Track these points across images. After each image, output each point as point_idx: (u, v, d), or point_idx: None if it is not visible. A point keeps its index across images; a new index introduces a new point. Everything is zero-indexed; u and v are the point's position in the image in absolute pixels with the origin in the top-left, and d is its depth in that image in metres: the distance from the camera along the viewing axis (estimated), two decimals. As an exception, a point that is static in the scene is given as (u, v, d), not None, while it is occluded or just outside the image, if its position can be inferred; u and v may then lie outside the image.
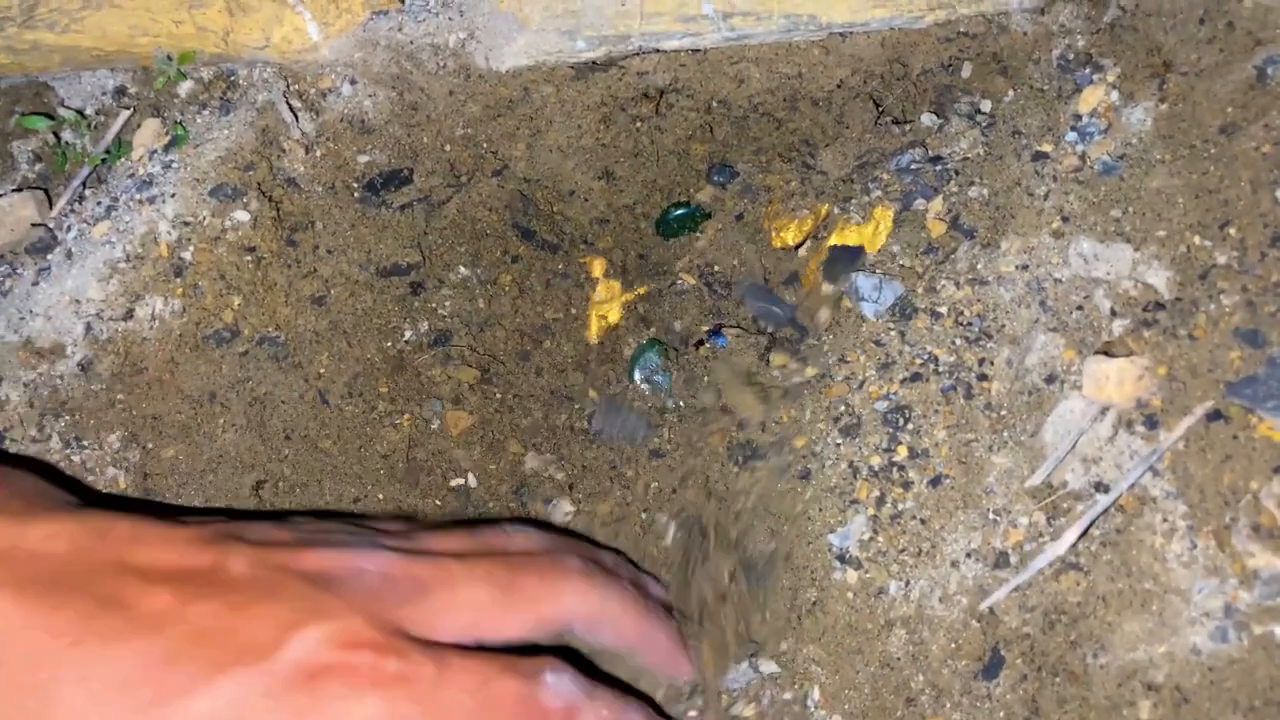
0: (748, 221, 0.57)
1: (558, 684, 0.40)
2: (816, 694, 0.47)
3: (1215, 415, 0.40)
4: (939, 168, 0.51)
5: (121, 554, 0.38)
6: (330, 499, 0.52)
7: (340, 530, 0.42)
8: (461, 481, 0.54)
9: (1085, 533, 0.42)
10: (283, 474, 0.52)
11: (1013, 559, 0.44)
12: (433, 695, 0.37)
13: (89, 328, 0.51)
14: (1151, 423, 0.42)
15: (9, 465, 0.42)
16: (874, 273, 0.50)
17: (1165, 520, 0.41)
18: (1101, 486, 0.42)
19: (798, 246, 0.55)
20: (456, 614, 0.40)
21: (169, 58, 0.52)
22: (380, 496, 0.53)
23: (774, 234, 0.55)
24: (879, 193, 0.52)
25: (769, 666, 0.48)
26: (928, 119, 0.52)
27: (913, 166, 0.52)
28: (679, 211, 0.57)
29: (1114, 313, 0.44)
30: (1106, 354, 0.42)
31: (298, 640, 0.36)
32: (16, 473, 0.41)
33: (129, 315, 0.52)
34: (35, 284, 0.53)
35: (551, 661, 0.41)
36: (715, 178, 0.57)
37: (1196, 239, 0.43)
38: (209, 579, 0.37)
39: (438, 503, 0.53)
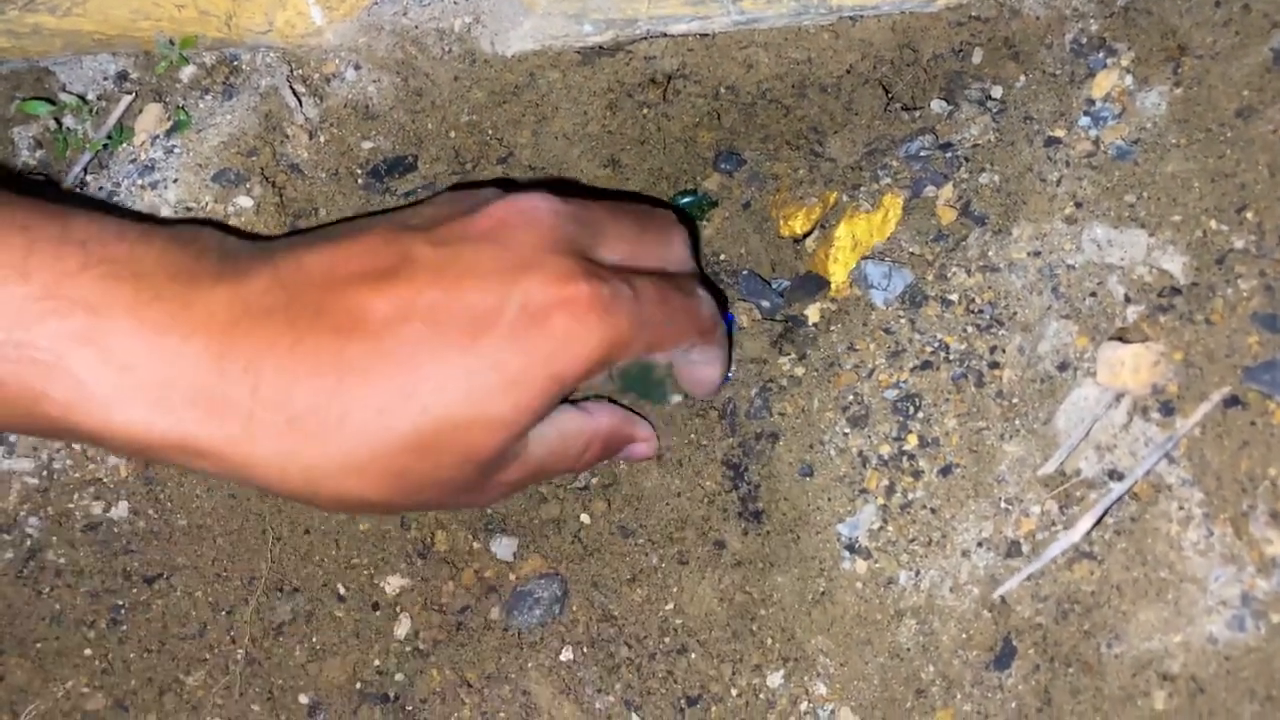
0: (755, 210, 0.56)
1: (706, 297, 0.48)
2: (823, 687, 0.46)
3: (1233, 401, 0.40)
4: (949, 154, 0.51)
5: (325, 281, 0.40)
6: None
7: (478, 192, 0.45)
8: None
9: (1099, 521, 0.41)
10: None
11: (1025, 548, 0.43)
12: (636, 311, 0.42)
13: (90, 314, 0.51)
14: (1167, 409, 0.41)
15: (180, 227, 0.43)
16: (883, 260, 0.50)
17: (1181, 508, 0.40)
18: (1116, 474, 0.42)
19: (806, 235, 0.54)
20: (619, 244, 0.45)
21: (171, 42, 0.51)
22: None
23: (781, 222, 0.55)
24: (888, 180, 0.51)
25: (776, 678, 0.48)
26: (938, 105, 0.52)
27: (922, 153, 0.51)
28: (686, 199, 0.56)
29: (1128, 299, 0.43)
30: (1121, 340, 0.42)
31: (517, 294, 0.40)
32: (204, 232, 0.42)
33: (131, 301, 0.51)
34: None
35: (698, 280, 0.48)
36: (722, 165, 0.57)
37: (1213, 223, 0.42)
38: (408, 274, 0.40)
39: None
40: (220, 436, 0.38)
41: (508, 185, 0.47)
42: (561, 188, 0.48)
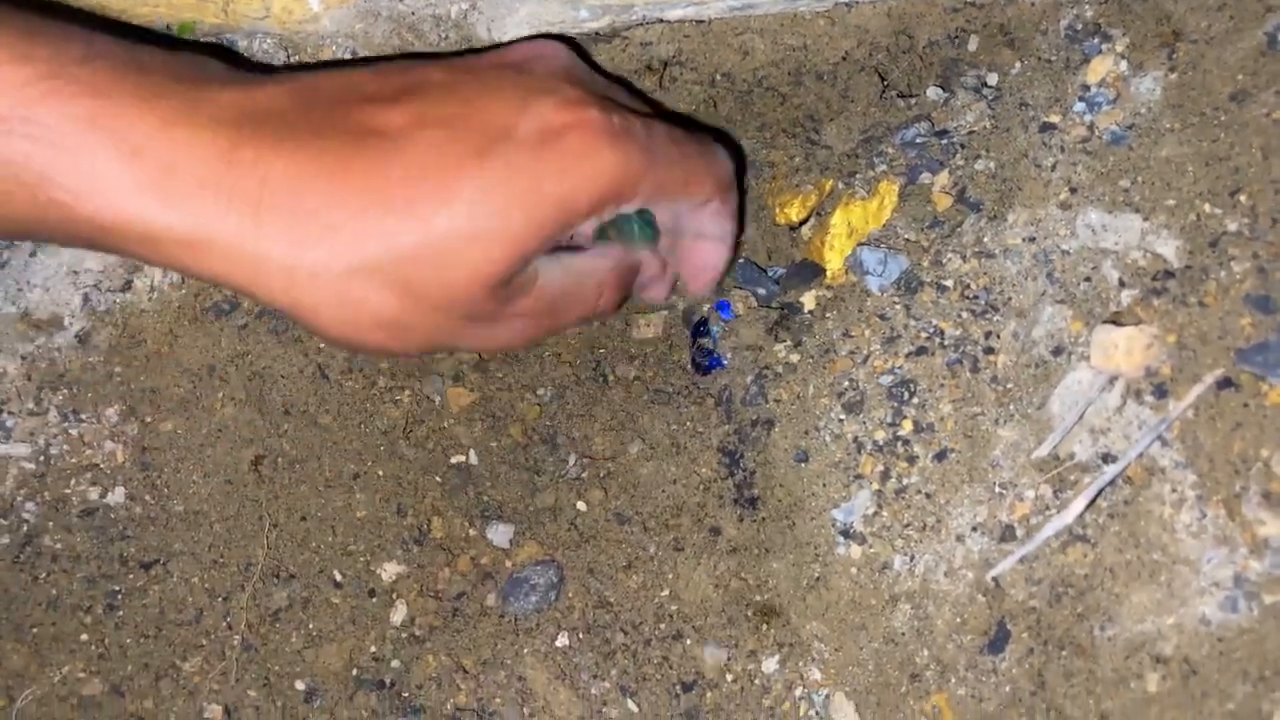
0: (751, 197, 0.56)
1: (723, 154, 0.48)
2: (817, 672, 0.46)
3: (1226, 383, 0.40)
4: (945, 141, 0.51)
5: (338, 95, 0.41)
6: (329, 474, 0.52)
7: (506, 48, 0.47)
8: (462, 458, 0.53)
9: (1092, 503, 0.41)
10: (282, 449, 0.52)
11: (1019, 532, 0.43)
12: (648, 144, 0.42)
13: (87, 299, 0.51)
14: (1161, 392, 0.41)
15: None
16: (879, 247, 0.50)
17: (1174, 490, 0.40)
18: (1109, 457, 0.42)
19: (802, 222, 0.54)
20: (629, 95, 0.47)
21: (168, 27, 0.51)
22: (380, 473, 0.52)
23: (777, 210, 0.55)
24: (884, 167, 0.51)
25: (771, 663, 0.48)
26: (933, 92, 0.52)
27: (918, 140, 0.51)
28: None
29: (1122, 283, 0.43)
30: (1115, 323, 0.42)
31: (532, 113, 0.40)
32: (199, 57, 0.42)
33: (127, 287, 0.51)
34: (33, 255, 0.52)
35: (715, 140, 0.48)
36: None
37: (1207, 207, 0.42)
38: (423, 91, 0.41)
39: (438, 479, 0.53)
40: (231, 227, 0.38)
41: None
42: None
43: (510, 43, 0.46)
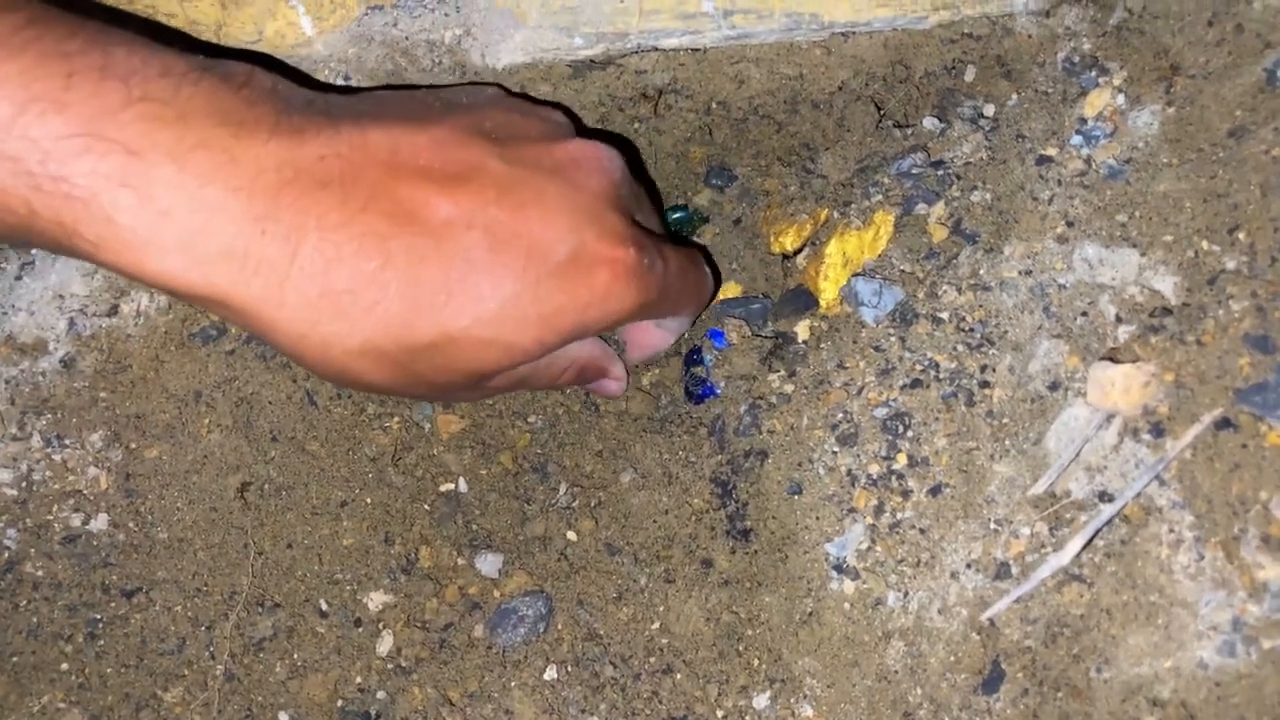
0: (746, 226, 0.56)
1: (708, 275, 0.51)
2: (809, 709, 0.46)
3: (1224, 423, 0.39)
4: (941, 172, 0.50)
5: (389, 165, 0.40)
6: (317, 502, 0.51)
7: (556, 114, 0.47)
8: (451, 486, 0.53)
9: (1089, 543, 0.41)
10: (269, 476, 0.51)
11: (1014, 570, 0.43)
12: (664, 281, 0.44)
13: (72, 324, 0.50)
14: (1158, 431, 0.41)
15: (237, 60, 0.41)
16: (874, 278, 0.50)
17: (1172, 531, 0.40)
18: (1106, 496, 0.41)
19: (796, 252, 0.54)
20: (650, 216, 0.48)
21: (160, 51, 0.51)
22: (368, 500, 0.52)
23: (772, 239, 0.54)
24: (879, 197, 0.51)
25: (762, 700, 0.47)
26: (930, 123, 0.52)
27: (914, 171, 0.51)
28: (676, 215, 0.56)
29: (1119, 319, 0.43)
30: (1112, 360, 0.41)
31: (574, 240, 0.41)
32: (257, 73, 0.40)
33: (113, 311, 0.51)
34: (18, 278, 0.52)
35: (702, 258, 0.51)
36: (713, 181, 0.56)
37: (1205, 244, 0.42)
38: (477, 185, 0.40)
39: (427, 508, 0.52)
40: (252, 295, 0.38)
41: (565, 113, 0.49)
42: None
43: (563, 123, 0.46)
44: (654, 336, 0.51)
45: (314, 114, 0.40)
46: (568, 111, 0.50)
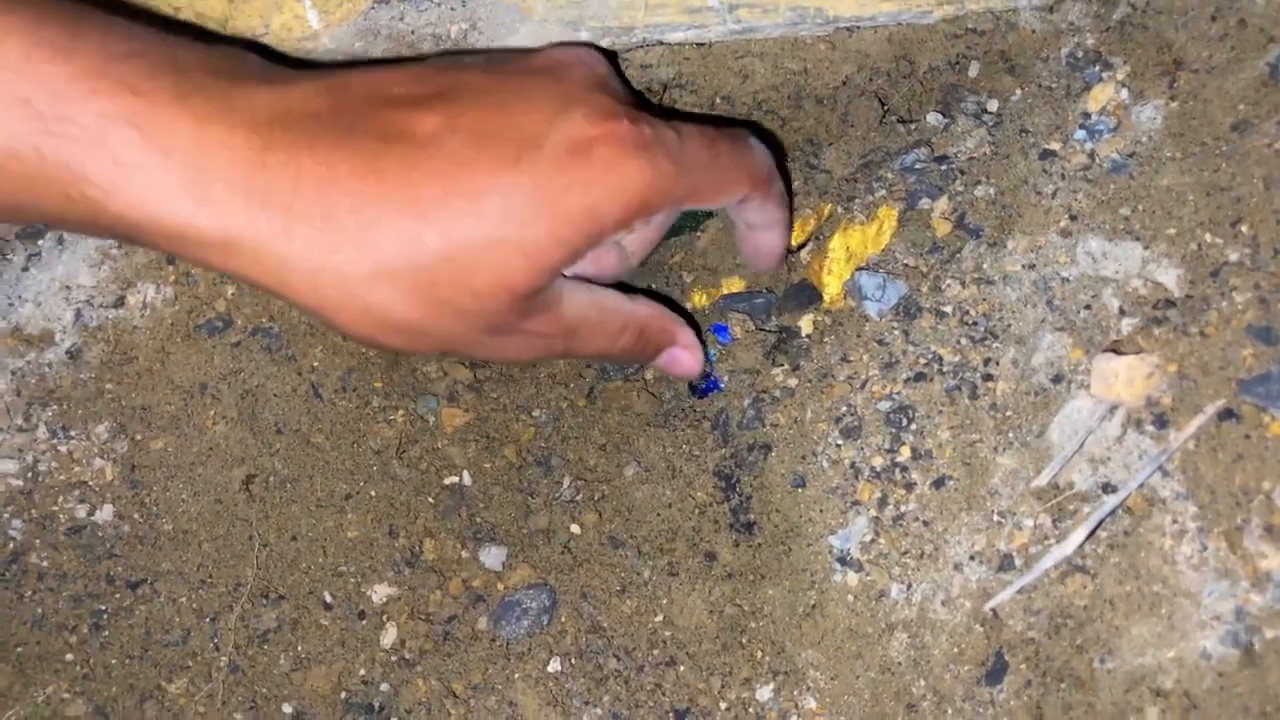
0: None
1: (759, 148, 0.47)
2: (813, 701, 0.46)
3: (1227, 414, 0.39)
4: (944, 167, 0.50)
5: (371, 96, 0.40)
6: (321, 494, 0.51)
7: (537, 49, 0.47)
8: (455, 479, 0.53)
9: (1092, 534, 0.41)
10: (273, 468, 0.51)
11: (1017, 561, 0.43)
12: (679, 152, 0.42)
13: (79, 315, 0.51)
14: (1161, 422, 0.41)
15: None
16: (877, 272, 0.50)
17: (1175, 521, 0.40)
18: (1109, 487, 0.41)
19: (800, 247, 0.54)
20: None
21: (166, 44, 0.51)
22: (372, 493, 0.52)
23: (776, 234, 0.55)
24: (883, 192, 0.51)
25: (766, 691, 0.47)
26: (933, 118, 0.52)
27: (917, 166, 0.51)
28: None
29: (1123, 311, 0.43)
30: (1115, 352, 0.42)
31: (563, 122, 0.40)
32: (245, 51, 0.42)
33: (120, 303, 0.51)
34: (25, 269, 0.52)
35: (751, 133, 0.48)
36: (717, 176, 0.56)
37: (1208, 236, 0.42)
38: (456, 96, 0.41)
39: (431, 500, 0.52)
40: (260, 230, 0.38)
41: None
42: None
43: (545, 47, 0.46)
44: (758, 240, 0.49)
45: (300, 71, 0.42)
46: None
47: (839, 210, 0.52)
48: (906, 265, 0.50)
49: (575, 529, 0.52)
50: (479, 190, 0.39)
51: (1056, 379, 0.44)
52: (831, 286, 0.51)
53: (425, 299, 0.40)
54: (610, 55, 0.51)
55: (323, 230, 0.38)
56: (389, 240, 0.39)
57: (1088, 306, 0.44)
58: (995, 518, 0.44)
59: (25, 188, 0.37)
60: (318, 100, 0.40)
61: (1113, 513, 0.41)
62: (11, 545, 0.50)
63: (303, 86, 0.40)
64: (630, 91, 0.47)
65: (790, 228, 0.52)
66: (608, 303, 0.46)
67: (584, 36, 0.50)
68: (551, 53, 0.44)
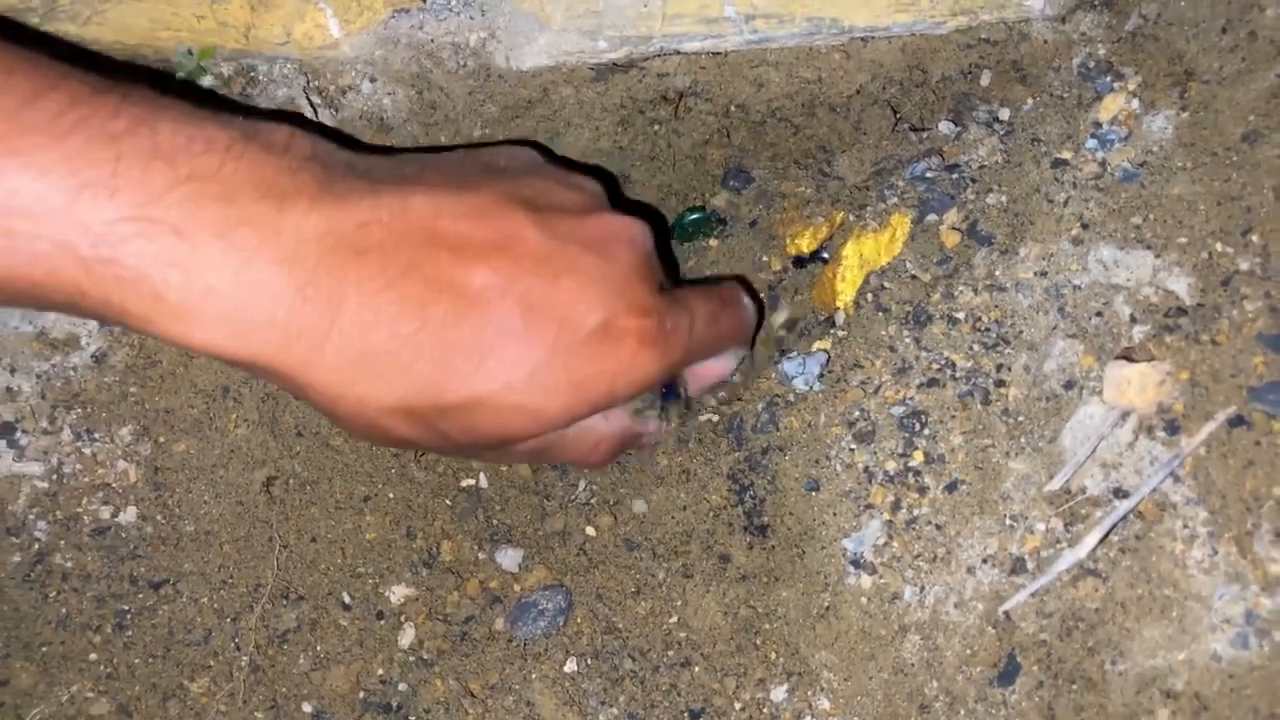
0: (762, 228, 0.57)
1: (750, 307, 0.52)
2: (826, 702, 0.47)
3: (1238, 421, 0.40)
4: (955, 175, 0.51)
5: (428, 230, 0.41)
6: (340, 496, 0.52)
7: (591, 183, 0.48)
8: (472, 482, 0.53)
9: (1105, 538, 0.41)
10: (293, 470, 0.52)
11: (1029, 565, 0.44)
12: (690, 340, 0.46)
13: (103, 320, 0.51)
14: (1173, 428, 0.41)
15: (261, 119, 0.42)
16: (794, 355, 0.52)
17: (1186, 526, 0.40)
18: (1121, 492, 0.42)
19: (813, 254, 0.54)
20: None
21: (190, 52, 0.52)
22: (390, 495, 0.52)
23: (788, 241, 0.55)
24: (895, 200, 0.52)
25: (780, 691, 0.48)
26: (945, 127, 0.52)
27: (928, 174, 0.52)
28: (693, 216, 0.57)
29: (1134, 319, 0.44)
30: (1127, 359, 0.42)
31: (604, 310, 0.42)
32: (297, 137, 0.41)
33: (144, 307, 0.51)
34: (51, 274, 0.52)
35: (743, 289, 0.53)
36: (731, 183, 0.57)
37: (1218, 245, 0.43)
38: (512, 254, 0.42)
39: (448, 503, 0.53)
40: (292, 360, 0.39)
41: (569, 164, 0.50)
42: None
43: (595, 192, 0.47)
44: (711, 369, 0.52)
45: (354, 178, 0.41)
46: (602, 175, 0.51)
47: (851, 218, 0.53)
48: (915, 274, 0.50)
49: (590, 531, 0.53)
50: (513, 362, 0.41)
51: (1068, 385, 0.45)
52: (845, 294, 0.52)
53: (430, 432, 0.42)
54: (657, 221, 0.53)
55: (355, 365, 0.39)
56: (415, 384, 0.40)
57: (1099, 314, 0.45)
58: (1007, 522, 0.44)
59: (61, 309, 0.38)
60: (372, 232, 0.39)
61: (1125, 517, 0.41)
62: (37, 546, 0.50)
63: (359, 211, 0.39)
64: (663, 261, 0.49)
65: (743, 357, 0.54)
66: (586, 423, 0.47)
67: (602, 45, 0.51)
68: (605, 222, 0.45)
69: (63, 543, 0.50)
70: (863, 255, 0.52)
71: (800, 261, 0.55)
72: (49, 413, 0.51)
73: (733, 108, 0.55)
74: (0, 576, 0.50)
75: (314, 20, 0.51)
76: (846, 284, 0.52)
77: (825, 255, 0.54)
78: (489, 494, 0.53)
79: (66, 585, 0.50)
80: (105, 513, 0.51)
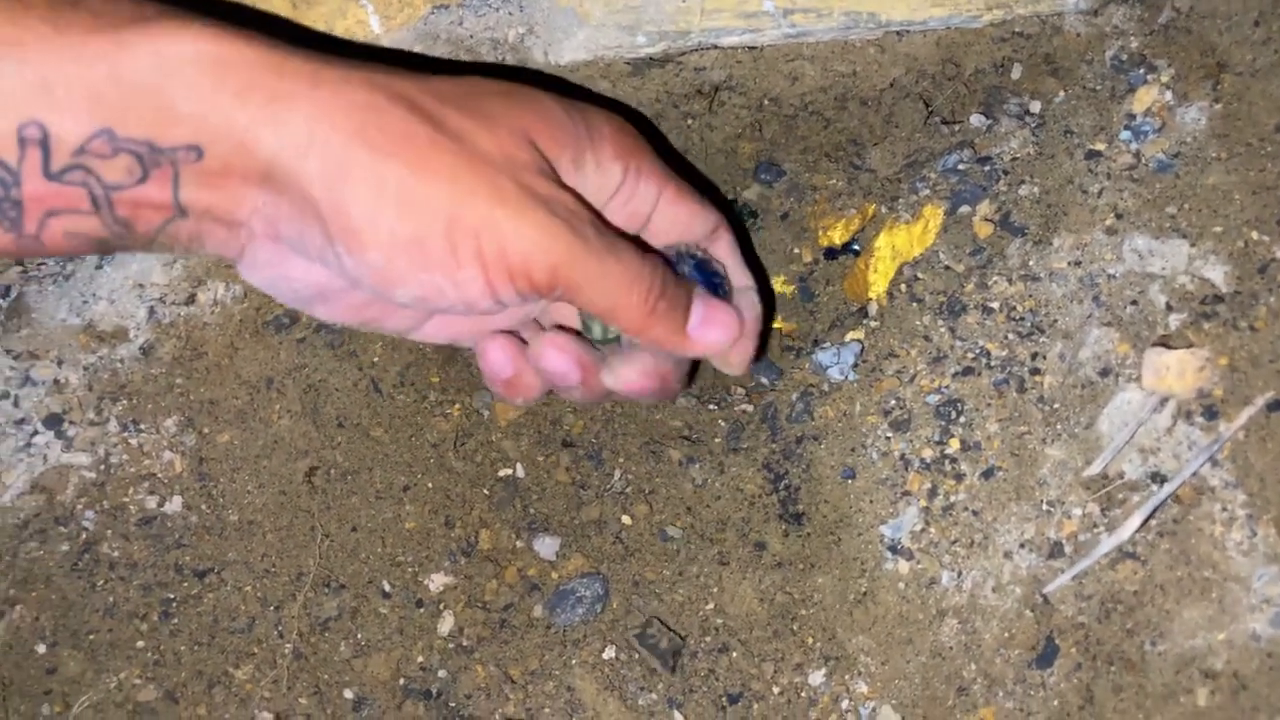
0: (794, 220, 0.57)
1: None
2: (864, 685, 0.47)
3: (1276, 405, 0.41)
4: (987, 168, 0.52)
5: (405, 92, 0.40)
6: (380, 486, 0.53)
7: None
8: (509, 471, 0.54)
9: (1146, 521, 0.42)
10: (335, 461, 0.53)
11: (1067, 549, 0.44)
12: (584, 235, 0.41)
13: (152, 312, 0.52)
14: (1211, 413, 0.42)
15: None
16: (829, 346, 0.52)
17: (1224, 509, 0.41)
18: (1159, 476, 0.43)
19: (845, 246, 0.55)
20: None
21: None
22: (430, 485, 0.53)
23: (820, 233, 0.56)
24: (926, 191, 0.53)
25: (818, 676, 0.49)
26: (977, 120, 0.53)
27: (960, 167, 0.52)
28: (724, 210, 0.57)
29: (1170, 307, 0.44)
30: (1165, 346, 0.43)
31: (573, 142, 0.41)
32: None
33: (191, 300, 0.52)
34: (99, 268, 0.53)
35: None
36: (762, 176, 0.58)
37: (1254, 234, 0.43)
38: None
39: (486, 492, 0.54)
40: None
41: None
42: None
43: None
44: (618, 371, 0.46)
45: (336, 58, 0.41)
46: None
47: (883, 210, 0.54)
48: (947, 267, 0.51)
49: (626, 520, 0.53)
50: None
51: (1104, 372, 0.45)
52: (877, 285, 0.53)
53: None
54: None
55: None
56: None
57: (1134, 302, 0.45)
58: (1044, 507, 0.45)
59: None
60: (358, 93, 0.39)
61: (1164, 502, 0.42)
62: (84, 536, 0.51)
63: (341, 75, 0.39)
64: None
65: (680, 383, 0.49)
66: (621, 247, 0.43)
67: (640, 40, 0.52)
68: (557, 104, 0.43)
69: (110, 532, 0.51)
70: (895, 246, 0.53)
71: (832, 253, 0.56)
72: (96, 404, 0.51)
73: (766, 101, 0.55)
74: (49, 566, 0.50)
75: (355, 16, 0.51)
76: (879, 275, 0.53)
77: (856, 247, 0.55)
78: (526, 483, 0.54)
79: (114, 574, 0.51)
80: (151, 502, 0.51)
